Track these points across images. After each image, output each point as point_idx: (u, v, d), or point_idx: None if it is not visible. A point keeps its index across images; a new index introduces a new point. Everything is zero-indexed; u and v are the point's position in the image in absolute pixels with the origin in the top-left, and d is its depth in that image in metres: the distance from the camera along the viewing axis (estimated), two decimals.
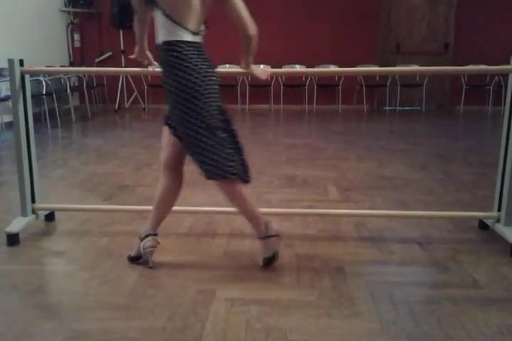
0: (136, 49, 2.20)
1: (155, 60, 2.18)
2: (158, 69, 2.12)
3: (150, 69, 2.33)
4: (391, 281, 2.00)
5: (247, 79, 8.06)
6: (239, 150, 2.07)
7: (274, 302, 1.82)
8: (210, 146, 1.96)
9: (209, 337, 1.60)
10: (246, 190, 2.07)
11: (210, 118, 1.93)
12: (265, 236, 2.09)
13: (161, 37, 1.89)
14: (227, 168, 2.00)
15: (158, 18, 1.88)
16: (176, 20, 1.84)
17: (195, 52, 1.88)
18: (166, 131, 2.12)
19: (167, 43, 1.87)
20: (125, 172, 3.89)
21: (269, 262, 2.11)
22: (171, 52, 1.86)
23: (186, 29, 1.86)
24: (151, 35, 2.05)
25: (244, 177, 2.07)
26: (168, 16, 1.84)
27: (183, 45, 1.85)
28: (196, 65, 1.86)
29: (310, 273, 2.06)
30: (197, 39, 1.91)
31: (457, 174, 3.86)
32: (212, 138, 1.95)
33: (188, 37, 1.87)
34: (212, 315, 1.73)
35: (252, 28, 1.90)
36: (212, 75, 1.93)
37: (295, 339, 1.59)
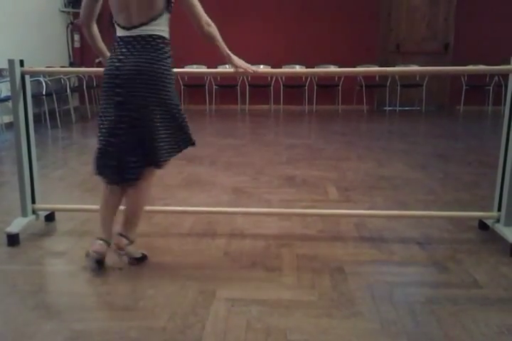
0: (104, 64, 2.28)
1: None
2: None
3: None
4: (391, 281, 2.00)
5: (247, 79, 8.07)
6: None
7: (275, 302, 1.82)
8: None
9: (209, 337, 1.60)
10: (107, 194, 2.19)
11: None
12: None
13: None
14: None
15: None
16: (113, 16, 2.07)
17: (119, 48, 2.09)
18: None
19: None
20: None
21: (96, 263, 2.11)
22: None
23: (118, 24, 2.09)
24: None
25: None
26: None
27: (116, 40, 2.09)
28: (112, 60, 2.12)
29: (310, 274, 2.06)
30: (128, 33, 2.05)
31: (457, 174, 3.86)
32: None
33: (119, 32, 2.07)
34: (213, 316, 1.73)
35: (205, 24, 1.98)
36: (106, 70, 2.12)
37: (295, 339, 1.59)
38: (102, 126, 2.04)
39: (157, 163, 2.06)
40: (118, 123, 1.98)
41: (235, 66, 2.18)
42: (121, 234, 2.10)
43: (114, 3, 2.00)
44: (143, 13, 1.95)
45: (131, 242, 2.12)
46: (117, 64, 1.99)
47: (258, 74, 2.36)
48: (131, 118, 1.97)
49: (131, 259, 2.16)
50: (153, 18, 1.95)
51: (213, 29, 2.01)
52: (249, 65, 2.21)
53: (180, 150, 2.14)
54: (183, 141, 2.13)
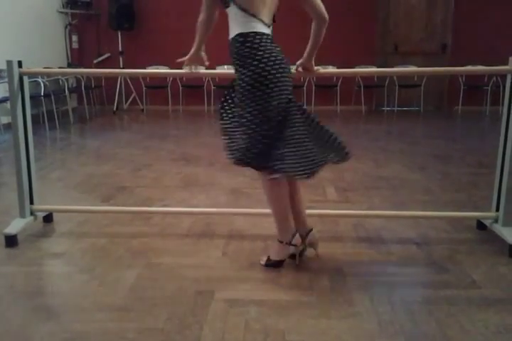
0: (193, 50, 2.16)
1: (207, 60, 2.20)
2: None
3: (184, 70, 2.29)
4: (389, 282, 2.00)
5: None
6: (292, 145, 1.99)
7: (273, 303, 1.83)
8: (253, 138, 1.95)
9: (207, 338, 1.60)
10: (285, 190, 2.07)
11: (273, 110, 1.93)
12: (286, 242, 2.11)
13: (235, 30, 1.93)
14: (272, 163, 1.98)
15: (233, 13, 1.92)
16: (252, 13, 1.90)
17: (270, 44, 1.94)
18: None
19: (243, 35, 1.91)
20: (123, 174, 3.89)
21: (274, 265, 2.12)
22: (248, 44, 1.90)
23: (261, 21, 1.92)
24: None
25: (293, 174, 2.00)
26: (244, 10, 1.89)
27: (260, 37, 1.91)
28: (272, 56, 1.91)
29: (308, 274, 2.07)
30: (270, 31, 1.97)
31: (455, 174, 3.86)
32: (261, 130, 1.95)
33: (263, 29, 1.93)
34: (211, 316, 1.73)
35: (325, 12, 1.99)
36: (286, 68, 1.96)
37: (293, 339, 1.59)
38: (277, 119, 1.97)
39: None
40: None
41: (309, 71, 2.20)
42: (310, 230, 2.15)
43: (273, 6, 1.97)
44: (273, 11, 1.99)
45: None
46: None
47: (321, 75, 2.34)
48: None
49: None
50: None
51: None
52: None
53: None
54: None
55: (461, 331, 1.63)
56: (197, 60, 2.22)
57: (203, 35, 2.10)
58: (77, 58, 8.39)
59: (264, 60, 1.89)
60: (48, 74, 6.61)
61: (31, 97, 2.47)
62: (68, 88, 7.09)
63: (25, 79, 2.44)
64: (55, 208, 2.76)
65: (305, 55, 2.14)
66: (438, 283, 2.00)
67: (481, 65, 6.77)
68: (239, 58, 1.93)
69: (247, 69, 1.90)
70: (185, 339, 1.59)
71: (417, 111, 8.30)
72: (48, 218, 2.72)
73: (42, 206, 2.65)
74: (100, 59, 8.38)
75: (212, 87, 8.22)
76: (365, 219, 2.75)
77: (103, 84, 8.29)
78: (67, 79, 7.08)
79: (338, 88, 8.10)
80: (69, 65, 8.17)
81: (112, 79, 8.16)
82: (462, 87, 8.06)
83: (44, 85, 6.31)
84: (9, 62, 2.36)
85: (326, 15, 2.01)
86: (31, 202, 2.56)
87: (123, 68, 7.94)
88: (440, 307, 1.79)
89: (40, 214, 2.65)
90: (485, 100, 8.12)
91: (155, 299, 1.86)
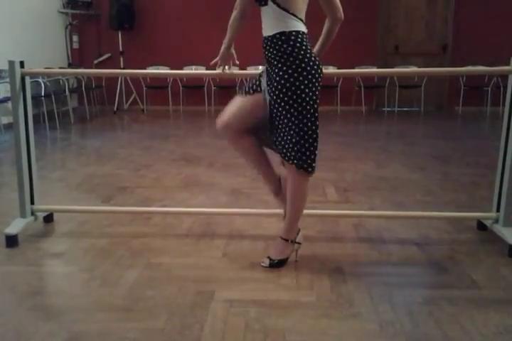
0: (224, 49, 2.14)
1: (237, 59, 2.18)
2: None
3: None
4: (390, 282, 2.00)
5: (246, 80, 8.06)
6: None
7: (273, 303, 1.83)
8: (310, 136, 1.97)
9: (208, 338, 1.60)
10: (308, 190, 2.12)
11: (316, 109, 1.98)
12: (292, 240, 2.13)
13: (274, 29, 1.94)
14: (312, 160, 2.01)
15: (271, 11, 1.93)
16: (292, 12, 1.91)
17: (308, 43, 1.96)
18: (242, 101, 2.12)
19: (285, 34, 1.92)
20: (124, 174, 3.89)
21: (278, 265, 2.13)
22: (290, 42, 1.92)
23: (301, 20, 1.95)
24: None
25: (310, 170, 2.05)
26: (284, 9, 1.90)
27: (301, 36, 1.94)
28: (312, 56, 1.94)
29: (309, 274, 2.07)
30: (306, 30, 1.99)
31: (455, 175, 3.86)
32: (315, 127, 1.98)
33: (303, 27, 1.96)
34: (211, 316, 1.73)
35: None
36: (320, 67, 1.99)
37: (293, 340, 1.59)
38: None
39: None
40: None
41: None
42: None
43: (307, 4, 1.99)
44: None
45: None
46: None
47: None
48: None
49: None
50: None
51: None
52: None
53: None
54: None
55: (462, 331, 1.63)
56: (229, 58, 2.18)
57: (234, 32, 2.07)
58: (77, 58, 8.39)
59: (306, 60, 1.92)
60: (49, 75, 6.61)
61: (32, 97, 2.47)
62: (69, 88, 7.09)
63: (27, 79, 2.44)
64: (56, 208, 2.76)
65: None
66: (438, 283, 2.00)
67: (482, 65, 6.77)
68: (281, 56, 1.93)
69: (287, 68, 1.91)
70: (185, 339, 1.59)
71: (418, 111, 8.30)
72: (49, 218, 2.72)
73: (42, 206, 2.66)
74: (101, 59, 8.38)
75: (213, 88, 8.22)
76: (365, 219, 2.75)
77: (103, 84, 8.29)
78: (67, 80, 7.08)
79: (339, 88, 8.11)
80: (69, 65, 8.18)
81: (112, 80, 8.16)
82: (463, 88, 8.05)
83: (45, 85, 6.31)
84: (11, 63, 2.36)
85: (342, 15, 2.05)
86: (32, 202, 2.57)
87: (123, 68, 7.95)
88: (440, 307, 1.79)
89: (41, 214, 2.66)
90: (485, 101, 8.12)
91: (155, 299, 1.86)
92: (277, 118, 2.00)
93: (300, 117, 1.95)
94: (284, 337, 1.60)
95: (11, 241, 2.38)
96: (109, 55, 8.37)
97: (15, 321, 1.71)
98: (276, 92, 1.96)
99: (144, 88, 8.21)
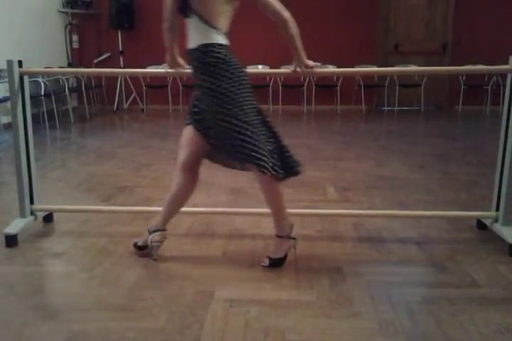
0: (168, 58, 2.25)
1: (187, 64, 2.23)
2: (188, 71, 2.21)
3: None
4: (389, 281, 2.00)
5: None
6: (280, 147, 2.11)
7: (273, 302, 1.83)
8: (250, 138, 1.98)
9: (208, 337, 1.60)
10: (282, 188, 2.12)
11: (246, 115, 2.00)
12: (286, 235, 2.14)
13: (196, 41, 1.98)
14: (267, 163, 2.01)
15: (193, 24, 1.98)
16: (213, 25, 1.95)
17: (229, 54, 1.99)
18: (188, 130, 2.16)
19: (206, 46, 1.96)
20: (124, 173, 3.89)
21: (278, 263, 2.13)
22: (211, 53, 1.95)
23: (221, 33, 1.98)
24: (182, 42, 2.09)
25: (282, 175, 2.08)
26: (205, 22, 1.94)
27: (221, 48, 1.97)
28: (233, 67, 1.97)
29: (308, 274, 2.07)
30: (228, 41, 2.02)
31: (455, 174, 3.86)
32: (251, 130, 1.99)
33: (223, 40, 1.99)
34: (211, 316, 1.73)
35: (286, 13, 1.98)
36: (245, 76, 2.02)
37: (293, 339, 1.59)
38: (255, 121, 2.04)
39: None
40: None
41: (307, 66, 2.14)
42: (164, 230, 2.23)
43: (232, 12, 2.01)
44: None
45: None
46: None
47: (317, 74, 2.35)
48: None
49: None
50: None
51: (296, 29, 2.01)
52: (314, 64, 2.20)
53: None
54: None
55: (462, 330, 1.63)
56: (176, 66, 2.29)
57: (169, 42, 2.18)
58: (77, 58, 8.39)
59: (226, 74, 1.95)
60: (48, 74, 6.60)
61: (32, 97, 2.47)
62: (68, 88, 7.09)
63: (26, 78, 2.44)
64: (55, 208, 2.76)
65: (294, 58, 2.12)
66: (438, 282, 2.00)
67: (482, 64, 6.75)
68: (203, 67, 1.98)
69: (212, 78, 1.96)
70: (185, 338, 1.59)
71: (418, 110, 8.30)
72: (48, 218, 2.72)
73: (42, 206, 2.66)
74: (100, 58, 8.38)
75: None
76: (365, 218, 2.75)
77: (103, 83, 8.29)
78: (67, 79, 7.08)
79: (339, 87, 8.10)
80: (69, 65, 8.17)
81: (112, 79, 8.16)
82: (463, 87, 8.05)
83: (44, 85, 6.31)
84: (9, 62, 2.36)
85: (284, 14, 1.97)
86: (31, 202, 2.56)
87: (123, 68, 7.94)
88: (440, 306, 1.79)
89: (41, 214, 2.65)
90: (485, 99, 8.12)
91: (155, 298, 1.86)
92: (214, 130, 2.04)
93: (229, 120, 1.97)
94: (283, 336, 1.60)
95: (11, 241, 2.38)
96: (109, 54, 8.36)
97: (15, 321, 1.71)
98: (206, 101, 2.01)
99: (144, 87, 8.20)
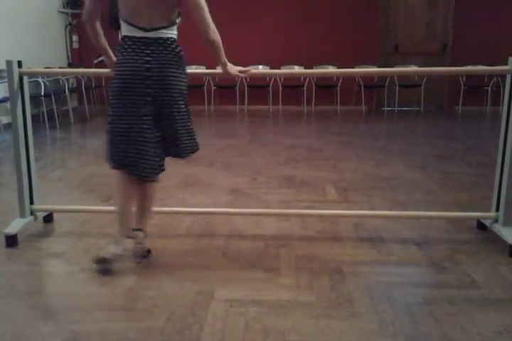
0: (106, 59, 2.45)
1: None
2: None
3: None
4: (389, 282, 2.00)
5: (246, 80, 8.06)
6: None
7: (273, 303, 1.82)
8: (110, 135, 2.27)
9: (207, 338, 1.60)
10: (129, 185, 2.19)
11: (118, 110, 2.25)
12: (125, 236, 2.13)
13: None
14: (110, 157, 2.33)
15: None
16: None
17: (128, 47, 2.08)
18: None
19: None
20: None
21: (102, 262, 2.08)
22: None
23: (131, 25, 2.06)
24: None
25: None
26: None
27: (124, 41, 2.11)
28: (123, 61, 2.12)
29: (308, 274, 2.06)
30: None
31: (456, 174, 3.86)
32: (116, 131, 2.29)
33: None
34: (211, 316, 1.73)
35: (211, 31, 2.00)
36: (126, 73, 2.12)
37: (293, 339, 1.59)
38: (122, 123, 2.18)
39: (180, 156, 2.20)
40: (145, 120, 2.09)
41: (229, 75, 2.20)
42: (138, 229, 2.18)
43: (131, 3, 2.01)
44: (165, 16, 2.00)
45: (146, 235, 2.21)
46: (147, 65, 2.00)
47: (253, 76, 2.36)
48: (160, 115, 2.09)
49: (144, 252, 2.22)
50: (174, 23, 2.03)
51: (217, 36, 2.02)
52: (242, 69, 2.24)
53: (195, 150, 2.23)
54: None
55: (462, 331, 1.63)
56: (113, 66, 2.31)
57: (98, 44, 2.34)
58: (77, 58, 8.39)
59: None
60: (48, 74, 6.61)
61: (32, 97, 2.48)
62: (68, 88, 7.09)
63: (25, 79, 2.44)
64: (55, 208, 2.76)
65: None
66: (438, 283, 2.00)
67: (482, 65, 6.76)
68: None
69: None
70: (185, 339, 1.59)
71: (418, 111, 8.30)
72: (48, 218, 2.72)
73: (42, 206, 2.65)
74: (100, 59, 8.34)
75: (213, 87, 8.22)
76: (365, 219, 2.75)
77: (103, 84, 8.28)
78: (67, 79, 7.08)
79: (339, 88, 8.10)
80: (69, 65, 8.17)
81: (112, 79, 8.14)
82: (463, 87, 8.05)
83: (44, 85, 6.31)
84: (9, 62, 2.36)
85: (210, 37, 2.01)
86: (31, 202, 2.56)
87: None
88: (440, 307, 1.79)
89: (41, 214, 2.65)
90: (485, 100, 8.12)
91: (155, 299, 1.85)
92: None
93: (109, 119, 2.22)
94: (283, 336, 1.60)
95: (11, 241, 2.38)
96: None
97: (14, 321, 1.71)
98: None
99: None
